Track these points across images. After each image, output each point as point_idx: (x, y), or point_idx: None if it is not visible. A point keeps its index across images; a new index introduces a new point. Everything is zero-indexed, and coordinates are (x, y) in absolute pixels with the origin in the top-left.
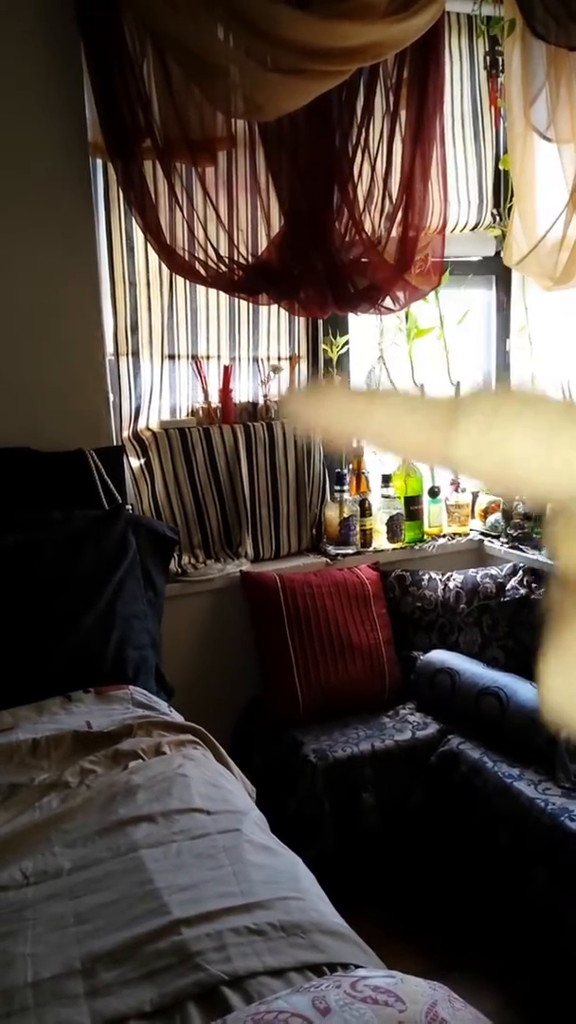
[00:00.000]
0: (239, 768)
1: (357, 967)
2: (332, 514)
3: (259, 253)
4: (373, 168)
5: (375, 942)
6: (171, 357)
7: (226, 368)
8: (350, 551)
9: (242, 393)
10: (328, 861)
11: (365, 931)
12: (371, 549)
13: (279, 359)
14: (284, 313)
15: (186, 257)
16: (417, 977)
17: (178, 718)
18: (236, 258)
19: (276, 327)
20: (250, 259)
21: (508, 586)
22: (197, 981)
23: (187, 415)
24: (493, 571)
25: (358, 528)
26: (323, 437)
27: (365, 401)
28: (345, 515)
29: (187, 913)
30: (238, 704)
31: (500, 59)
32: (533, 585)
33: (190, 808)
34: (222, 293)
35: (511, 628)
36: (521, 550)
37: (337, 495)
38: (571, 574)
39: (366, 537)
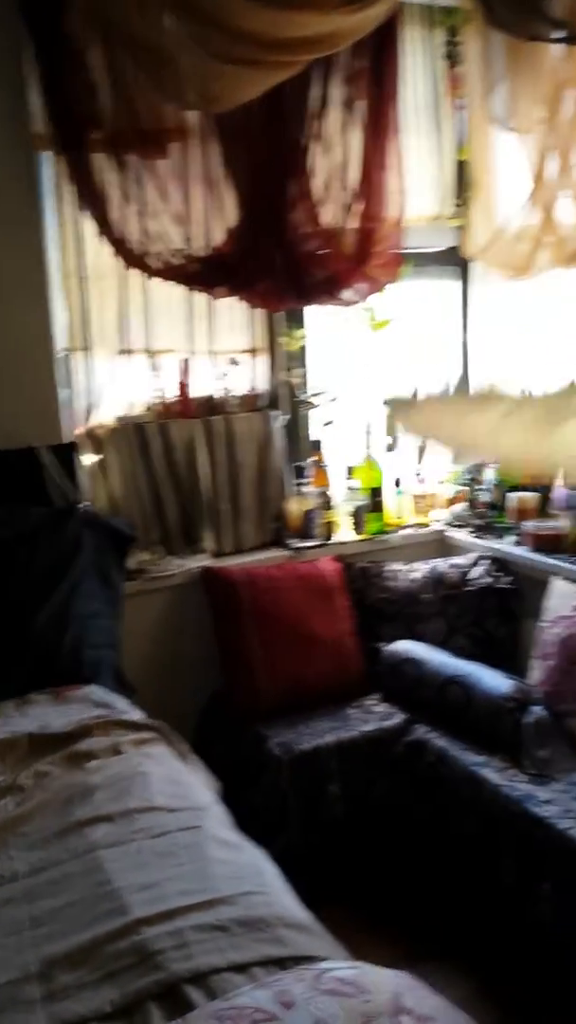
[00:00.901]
0: (202, 764)
1: (322, 959)
2: (294, 507)
3: (215, 245)
4: (330, 159)
5: (343, 934)
6: (126, 352)
7: (184, 362)
8: (313, 544)
9: (200, 387)
10: (294, 854)
11: (332, 923)
12: (334, 541)
13: (237, 352)
14: (242, 306)
15: (139, 250)
16: (383, 967)
17: (139, 716)
18: (191, 251)
19: (234, 320)
20: (206, 252)
21: (472, 575)
22: (158, 980)
23: (144, 410)
24: (457, 560)
25: (321, 520)
26: (438, 445)
27: (476, 407)
28: (307, 508)
29: (147, 912)
30: (201, 700)
31: (458, 50)
32: (497, 574)
33: (150, 806)
34: (178, 286)
35: (476, 617)
36: (484, 539)
37: (299, 488)
38: None
39: (329, 529)
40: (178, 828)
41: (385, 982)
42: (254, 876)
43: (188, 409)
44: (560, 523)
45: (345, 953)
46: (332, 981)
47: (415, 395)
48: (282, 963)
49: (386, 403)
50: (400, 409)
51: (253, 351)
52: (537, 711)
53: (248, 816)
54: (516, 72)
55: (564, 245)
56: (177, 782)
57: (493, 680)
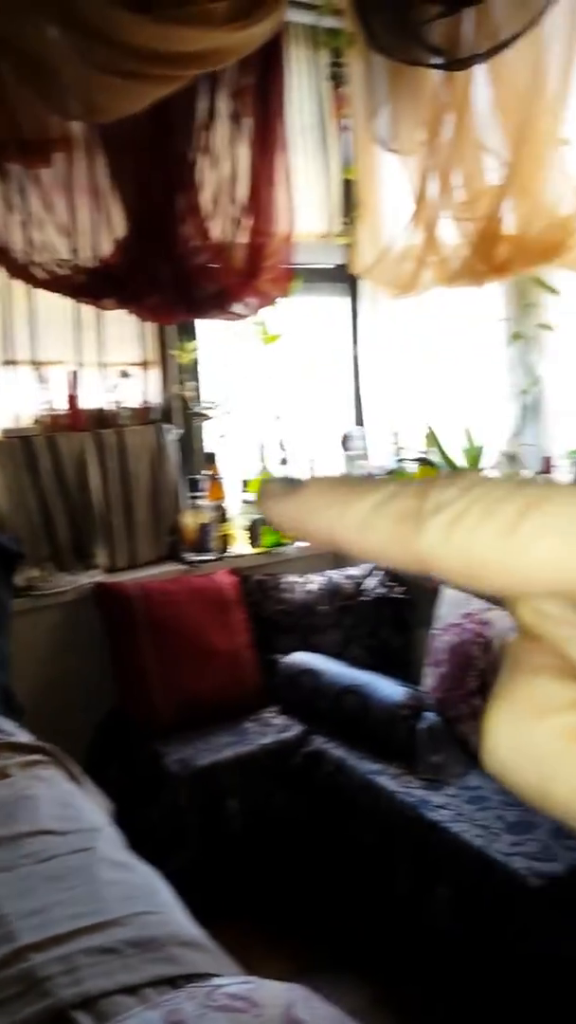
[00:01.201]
0: (96, 784)
1: (214, 976)
2: (189, 521)
3: (102, 257)
4: (218, 173)
5: (242, 949)
6: (11, 363)
7: (72, 374)
8: (209, 557)
9: (90, 400)
10: (193, 871)
11: (232, 939)
12: (230, 555)
13: (128, 365)
14: (132, 318)
15: (23, 260)
16: (277, 980)
17: (27, 738)
18: (78, 262)
19: (124, 332)
20: (93, 263)
21: (366, 585)
22: (46, 1007)
23: (32, 423)
24: (352, 571)
25: (216, 534)
26: (305, 540)
27: (345, 495)
28: (203, 521)
29: (36, 938)
30: (95, 719)
31: (343, 71)
32: (390, 583)
33: (38, 830)
34: (65, 297)
35: (371, 627)
36: None
37: (194, 501)
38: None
39: (225, 543)
40: (68, 851)
41: (277, 995)
42: (146, 896)
43: (78, 422)
44: None
45: (238, 969)
46: (224, 997)
47: (295, 480)
48: (174, 982)
49: (264, 486)
50: (276, 495)
51: (144, 363)
52: (430, 717)
53: (146, 834)
54: (398, 95)
55: (446, 265)
56: (67, 804)
57: (388, 689)
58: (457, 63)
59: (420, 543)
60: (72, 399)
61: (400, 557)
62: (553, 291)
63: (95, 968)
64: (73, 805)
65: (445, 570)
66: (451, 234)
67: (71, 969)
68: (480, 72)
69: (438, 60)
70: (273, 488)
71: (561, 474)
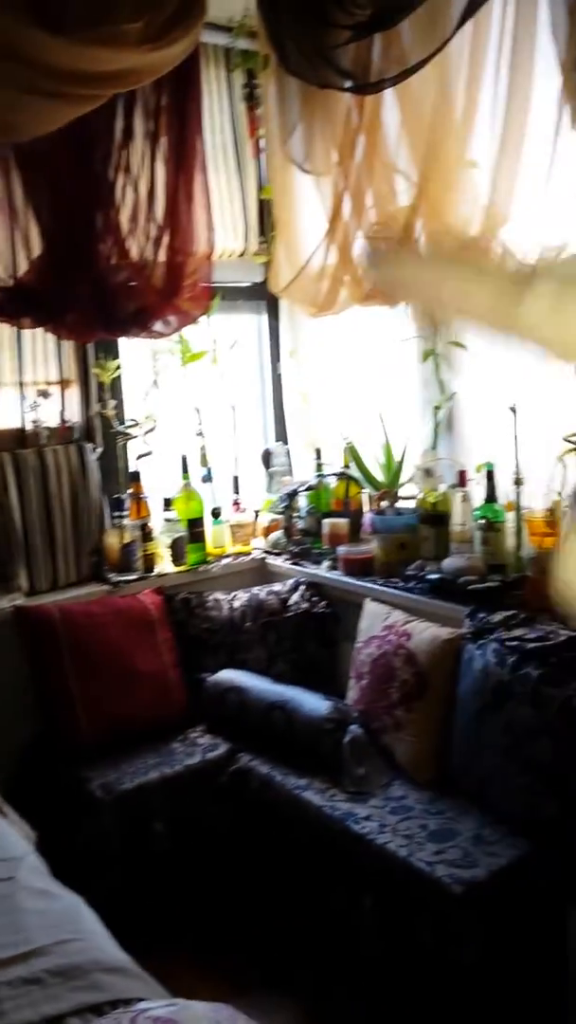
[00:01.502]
0: (20, 811)
1: (139, 1000)
2: (112, 540)
3: (19, 276)
4: (136, 192)
5: (173, 972)
6: None
7: None
8: (133, 577)
9: (7, 419)
10: (122, 895)
11: (162, 962)
12: (155, 574)
13: (47, 384)
14: (51, 336)
15: None
16: (202, 1002)
17: None
18: None
19: (43, 350)
20: (9, 282)
21: (291, 601)
22: None
23: None
24: (276, 587)
25: (140, 553)
26: (407, 301)
27: (444, 266)
28: (126, 540)
29: None
30: (17, 745)
31: (257, 91)
32: (314, 598)
33: None
34: None
35: (295, 642)
36: (302, 565)
37: (117, 521)
38: None
39: (149, 562)
40: None
41: (201, 1017)
42: (70, 924)
43: None
44: (369, 547)
45: (164, 992)
46: (147, 1021)
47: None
48: (99, 1009)
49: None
50: (380, 260)
51: (64, 382)
52: (354, 730)
53: (72, 860)
54: (311, 117)
55: (361, 284)
56: None
57: (312, 703)
58: (367, 87)
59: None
60: None
61: (495, 322)
62: None
63: (17, 1000)
64: None
65: (539, 339)
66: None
67: None
68: (390, 96)
69: (349, 83)
70: (383, 253)
71: (475, 488)
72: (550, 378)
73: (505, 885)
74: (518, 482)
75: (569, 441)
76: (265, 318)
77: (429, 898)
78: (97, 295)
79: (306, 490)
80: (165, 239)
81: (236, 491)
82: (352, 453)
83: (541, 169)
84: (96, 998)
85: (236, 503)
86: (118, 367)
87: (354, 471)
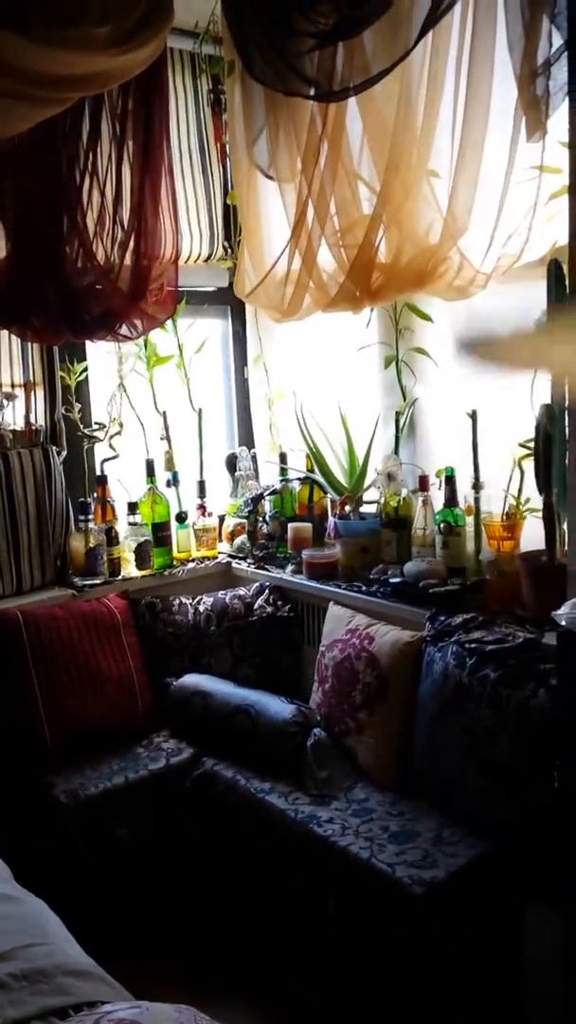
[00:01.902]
0: None
1: (103, 1004)
2: (77, 544)
3: None
4: (103, 195)
5: (136, 976)
6: None
7: None
8: (98, 581)
9: None
10: (86, 900)
11: (126, 967)
12: (120, 578)
13: (12, 386)
14: (16, 339)
15: None
16: (166, 1004)
17: None
18: None
19: (8, 353)
20: None
21: (256, 605)
22: None
23: None
24: (241, 592)
25: (105, 557)
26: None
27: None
28: (91, 545)
29: None
30: None
31: (223, 97)
32: (279, 603)
33: None
34: None
35: (260, 646)
36: (266, 569)
37: (82, 524)
38: None
39: (114, 566)
40: None
41: (166, 1018)
42: (33, 928)
43: None
44: (333, 551)
45: (128, 995)
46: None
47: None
48: (62, 1012)
49: (463, 346)
50: (483, 348)
51: (30, 385)
52: (317, 733)
53: (36, 865)
54: (276, 123)
55: (324, 290)
56: None
57: (277, 706)
58: (331, 94)
59: None
60: None
61: None
62: (425, 317)
63: None
64: None
65: None
66: (328, 260)
67: None
68: (353, 104)
69: (313, 91)
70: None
71: (436, 492)
72: (507, 385)
73: (464, 885)
74: (477, 487)
75: (525, 447)
76: (230, 323)
77: (390, 899)
78: (63, 297)
79: (271, 494)
80: (131, 243)
81: (201, 495)
82: (316, 458)
83: (498, 179)
84: (61, 1001)
85: (201, 507)
86: (84, 370)
87: (318, 476)
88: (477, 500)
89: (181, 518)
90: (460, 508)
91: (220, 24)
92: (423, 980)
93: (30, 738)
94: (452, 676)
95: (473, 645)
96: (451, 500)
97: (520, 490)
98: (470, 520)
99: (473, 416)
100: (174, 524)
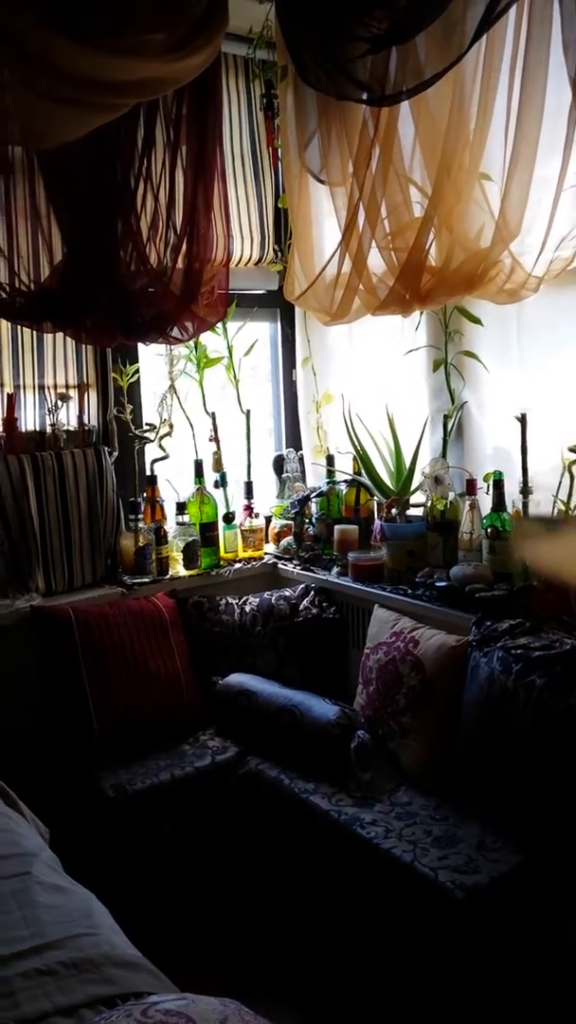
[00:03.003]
0: (32, 810)
1: (150, 994)
2: (127, 543)
3: (42, 280)
4: (156, 200)
5: (179, 968)
6: None
7: (9, 396)
8: (147, 580)
9: (28, 422)
10: (130, 893)
11: (168, 958)
12: (168, 577)
13: (67, 387)
14: (71, 341)
15: None
16: (211, 996)
17: None
18: (17, 285)
19: (63, 354)
20: (32, 286)
21: (301, 606)
22: None
23: None
24: (287, 593)
25: (154, 556)
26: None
27: None
28: (141, 544)
29: None
30: (32, 744)
31: (276, 102)
32: (324, 604)
33: None
34: (2, 320)
35: (305, 647)
36: (312, 571)
37: (132, 524)
38: None
39: (162, 565)
40: (4, 876)
41: (211, 1010)
42: (82, 918)
43: (15, 444)
44: (379, 553)
45: (173, 987)
46: (159, 1014)
47: (554, 519)
48: (110, 1001)
49: (522, 525)
50: (537, 534)
51: (83, 386)
52: (361, 735)
53: (83, 857)
54: (327, 128)
55: (374, 293)
56: (4, 829)
57: (320, 708)
58: (383, 99)
59: None
60: (10, 422)
61: None
62: (476, 321)
63: (32, 991)
64: (9, 830)
65: None
66: (378, 263)
67: (9, 993)
68: (405, 108)
69: (365, 95)
70: (533, 527)
71: (483, 496)
72: (557, 389)
73: (506, 893)
74: (525, 491)
75: (575, 451)
76: (279, 326)
77: (432, 903)
78: (116, 300)
79: (317, 496)
80: (183, 246)
81: (249, 496)
82: (363, 460)
83: (551, 182)
84: (109, 991)
85: (248, 508)
86: (136, 372)
87: (364, 478)
88: (525, 505)
89: (228, 519)
90: (508, 513)
91: (274, 29)
92: (460, 985)
93: (79, 733)
94: (497, 682)
95: (519, 651)
96: (499, 504)
97: (570, 495)
98: None
99: (522, 420)
100: (221, 524)
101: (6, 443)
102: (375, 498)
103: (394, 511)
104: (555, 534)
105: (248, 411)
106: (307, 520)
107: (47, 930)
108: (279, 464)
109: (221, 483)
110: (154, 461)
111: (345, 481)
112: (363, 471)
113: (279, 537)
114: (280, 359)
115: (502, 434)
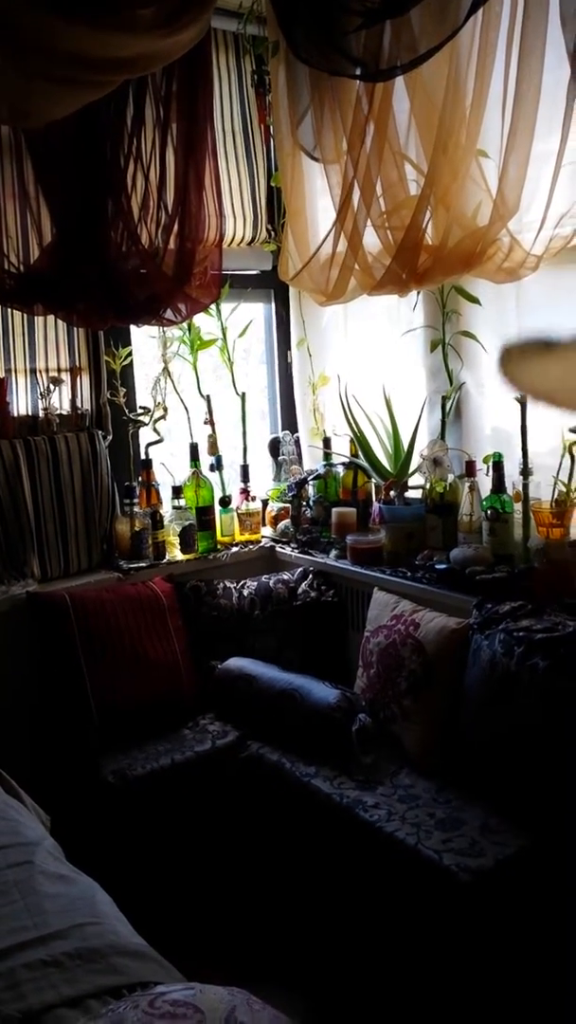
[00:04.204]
0: (32, 798)
1: (156, 984)
2: (123, 528)
3: (31, 262)
4: (147, 179)
5: (183, 956)
6: None
7: (0, 380)
8: (143, 564)
9: (20, 407)
10: (132, 881)
11: (172, 946)
12: (165, 561)
13: (59, 371)
14: (63, 324)
15: None
16: (217, 986)
17: None
18: (7, 267)
19: (55, 338)
20: (21, 268)
21: (300, 590)
22: None
23: None
24: (285, 576)
25: (150, 541)
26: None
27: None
28: (137, 528)
29: None
30: (30, 730)
31: (267, 78)
32: (323, 587)
33: None
34: None
35: (304, 630)
36: (310, 554)
37: (127, 508)
38: None
39: (159, 550)
40: (7, 865)
41: (219, 1000)
42: (87, 907)
43: (7, 429)
44: (377, 536)
45: (180, 976)
46: (166, 1004)
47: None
48: (117, 992)
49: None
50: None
51: (76, 370)
52: (362, 719)
53: (84, 845)
54: (321, 104)
55: (370, 272)
56: (5, 818)
57: (321, 691)
58: (377, 74)
59: None
60: (1, 406)
61: None
62: (474, 300)
63: (38, 982)
64: (10, 818)
65: None
66: (374, 242)
67: (14, 984)
68: (400, 84)
69: (359, 71)
70: (527, 349)
71: (483, 478)
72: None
73: (511, 875)
74: (526, 473)
75: None
76: (274, 306)
77: (437, 886)
78: (108, 282)
79: (314, 479)
80: (175, 226)
81: (245, 480)
82: (360, 442)
83: (550, 158)
84: (114, 981)
85: (245, 491)
86: (129, 355)
87: (362, 460)
88: (526, 486)
89: (225, 502)
90: (508, 494)
91: (264, 4)
92: (466, 968)
93: (78, 720)
94: (500, 664)
95: (521, 633)
96: (499, 486)
97: (571, 477)
98: (518, 507)
99: (522, 401)
100: (218, 508)
101: None
102: (373, 480)
103: (392, 493)
104: (555, 353)
105: (243, 393)
106: (304, 503)
107: (51, 920)
108: (275, 447)
109: (217, 466)
110: (149, 445)
111: (342, 463)
112: (360, 453)
113: (276, 520)
114: (275, 340)
115: (501, 415)
